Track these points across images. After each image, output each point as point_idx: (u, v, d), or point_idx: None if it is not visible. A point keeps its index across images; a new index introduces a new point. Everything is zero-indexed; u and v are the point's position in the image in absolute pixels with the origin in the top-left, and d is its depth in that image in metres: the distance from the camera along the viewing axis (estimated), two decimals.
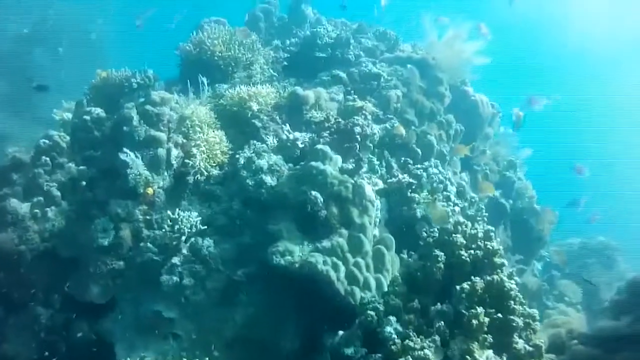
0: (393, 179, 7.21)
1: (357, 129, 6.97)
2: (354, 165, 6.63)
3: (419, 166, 7.74)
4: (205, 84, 8.01)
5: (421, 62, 9.44)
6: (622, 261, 15.11)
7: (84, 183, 7.06)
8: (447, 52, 9.62)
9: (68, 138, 7.81)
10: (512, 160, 11.14)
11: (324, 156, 6.37)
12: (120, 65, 8.77)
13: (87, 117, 7.49)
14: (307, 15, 11.24)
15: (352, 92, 8.58)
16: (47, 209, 7.08)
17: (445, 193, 7.39)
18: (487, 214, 7.69)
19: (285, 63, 9.46)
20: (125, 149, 6.54)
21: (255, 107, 7.57)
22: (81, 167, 7.30)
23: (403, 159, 7.84)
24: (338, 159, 6.55)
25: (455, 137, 9.18)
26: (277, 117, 7.63)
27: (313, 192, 6.01)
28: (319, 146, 6.47)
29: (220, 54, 8.74)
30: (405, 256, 6.45)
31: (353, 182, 6.25)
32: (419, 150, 8.27)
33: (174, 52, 9.32)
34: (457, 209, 7.18)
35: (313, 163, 6.27)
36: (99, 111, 7.62)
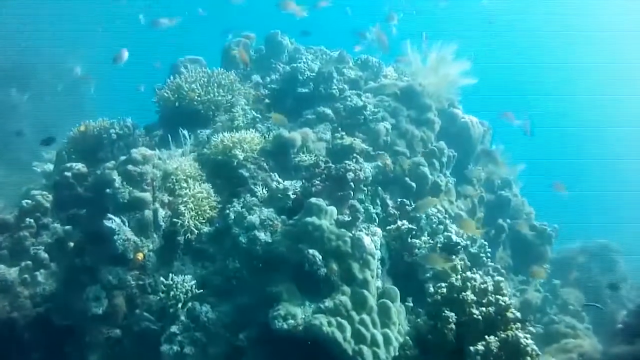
0: (392, 225, 7.14)
1: (350, 175, 6.90)
2: (350, 217, 6.53)
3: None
4: (187, 137, 7.94)
5: (407, 89, 9.40)
6: (622, 262, 15.26)
7: (71, 244, 6.98)
8: (432, 77, 9.58)
9: (51, 197, 7.69)
10: (506, 177, 11.13)
11: (318, 210, 6.27)
12: (101, 106, 8.71)
13: (68, 174, 7.51)
14: (285, 46, 11.16)
15: (340, 128, 8.52)
16: (37, 272, 6.95)
17: (446, 234, 7.32)
18: (489, 250, 7.63)
19: (267, 101, 9.39)
20: (110, 215, 6.46)
21: (240, 155, 7.52)
22: (67, 227, 7.22)
23: (400, 200, 7.77)
24: (333, 211, 6.44)
25: (448, 164, 9.12)
26: (265, 164, 7.57)
27: (311, 251, 5.93)
28: (313, 200, 6.36)
29: (199, 99, 8.67)
30: (410, 304, 6.39)
31: (351, 235, 6.18)
32: (413, 184, 8.21)
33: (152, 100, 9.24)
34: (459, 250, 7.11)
35: (308, 219, 6.18)
36: (79, 166, 7.65)
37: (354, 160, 7.41)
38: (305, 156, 7.79)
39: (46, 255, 7.07)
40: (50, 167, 9.20)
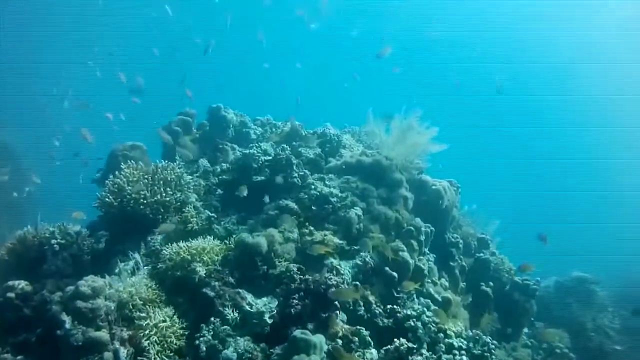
0: (389, 346, 6.78)
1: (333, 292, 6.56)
2: (343, 347, 6.19)
3: (409, 312, 7.36)
4: (140, 261, 7.51)
5: (374, 166, 9.17)
6: (600, 291, 15.50)
7: None
8: (400, 147, 9.35)
9: None
10: (482, 237, 11.05)
11: (306, 346, 5.89)
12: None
13: (12, 294, 7.10)
14: (230, 120, 10.84)
15: (307, 222, 8.20)
16: None
17: (447, 341, 7.04)
18: (494, 345, 7.36)
19: (220, 191, 9.01)
20: None
21: (201, 269, 7.14)
22: (19, 357, 6.78)
23: (389, 307, 7.46)
24: (322, 341, 6.06)
25: (426, 242, 8.89)
26: (230, 278, 7.18)
27: None
28: (298, 334, 5.97)
29: (145, 201, 8.21)
30: None
31: None
32: (394, 274, 7.93)
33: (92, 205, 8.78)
34: (463, 357, 6.83)
35: (296, 357, 5.81)
36: (22, 285, 7.25)
37: (333, 271, 7.08)
38: (275, 262, 7.43)
39: None
40: None
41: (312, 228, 8.07)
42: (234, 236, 7.79)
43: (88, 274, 6.93)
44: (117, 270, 7.41)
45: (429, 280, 8.65)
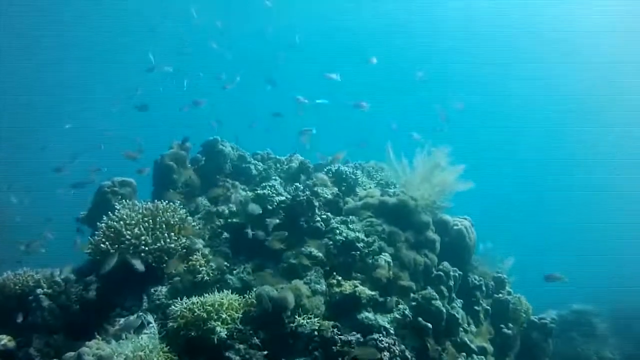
0: None
1: (385, 356, 5.64)
2: None
3: None
4: (152, 322, 6.50)
5: (399, 207, 8.39)
6: (601, 323, 15.19)
7: None
8: (426, 187, 8.56)
9: None
10: (499, 277, 10.34)
11: None
12: None
13: None
14: (227, 154, 9.91)
15: (334, 272, 7.32)
16: None
17: None
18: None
19: (226, 234, 8.05)
20: None
21: (222, 330, 6.17)
22: None
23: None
24: None
25: (454, 287, 8.14)
26: (255, 339, 6.20)
27: None
28: None
29: (146, 248, 7.20)
30: None
31: None
32: (429, 325, 7.19)
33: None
34: None
35: None
36: (5, 340, 6.58)
37: (383, 331, 6.16)
38: (304, 320, 6.47)
39: None
40: None
41: (339, 278, 7.21)
42: (253, 289, 6.83)
43: (79, 329, 6.56)
44: (116, 327, 6.42)
45: (461, 329, 7.91)
